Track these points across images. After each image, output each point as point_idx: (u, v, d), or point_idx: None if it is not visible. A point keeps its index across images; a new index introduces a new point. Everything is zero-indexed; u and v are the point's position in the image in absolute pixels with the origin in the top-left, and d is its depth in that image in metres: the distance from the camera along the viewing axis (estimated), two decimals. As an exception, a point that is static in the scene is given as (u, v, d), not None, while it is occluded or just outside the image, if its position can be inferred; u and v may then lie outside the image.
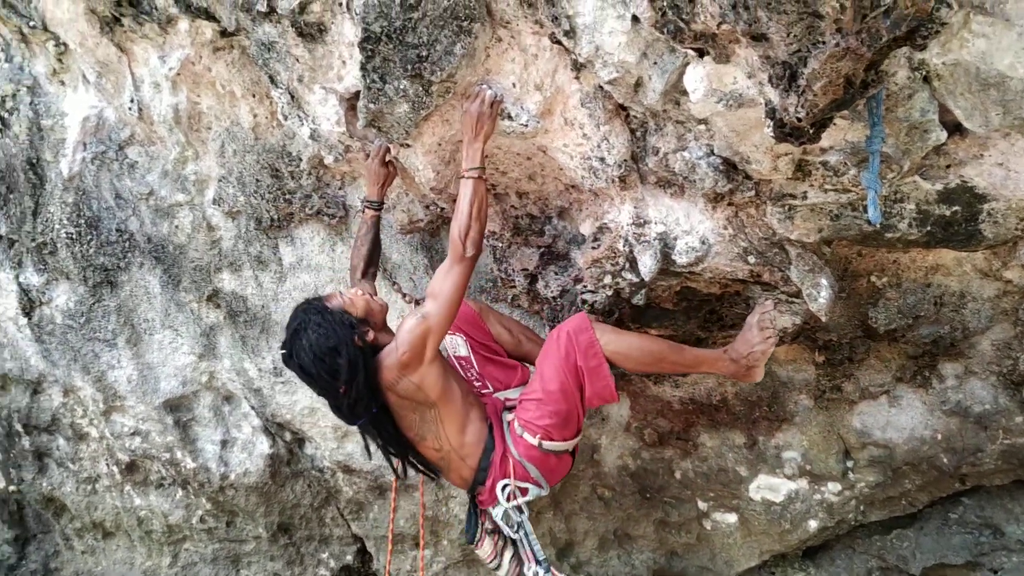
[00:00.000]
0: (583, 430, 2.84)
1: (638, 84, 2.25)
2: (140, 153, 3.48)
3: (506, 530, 2.62)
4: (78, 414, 4.12)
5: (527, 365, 2.98)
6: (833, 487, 3.42)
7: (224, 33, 2.88)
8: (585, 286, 2.82)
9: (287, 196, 3.29)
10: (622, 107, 2.43)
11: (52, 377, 3.99)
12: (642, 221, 2.61)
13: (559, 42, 2.32)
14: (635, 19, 2.08)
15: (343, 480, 3.99)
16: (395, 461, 2.72)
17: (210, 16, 2.81)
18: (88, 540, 4.61)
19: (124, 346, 3.79)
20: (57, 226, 3.63)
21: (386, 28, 2.29)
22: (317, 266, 3.44)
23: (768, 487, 3.53)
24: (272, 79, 2.80)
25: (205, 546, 4.36)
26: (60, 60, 3.39)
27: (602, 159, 2.52)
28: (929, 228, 2.27)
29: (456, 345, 2.90)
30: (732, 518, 3.72)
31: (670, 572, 4.00)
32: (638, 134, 2.48)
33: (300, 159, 3.19)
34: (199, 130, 3.30)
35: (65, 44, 3.28)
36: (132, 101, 3.27)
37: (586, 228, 2.83)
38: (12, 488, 4.53)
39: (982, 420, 2.97)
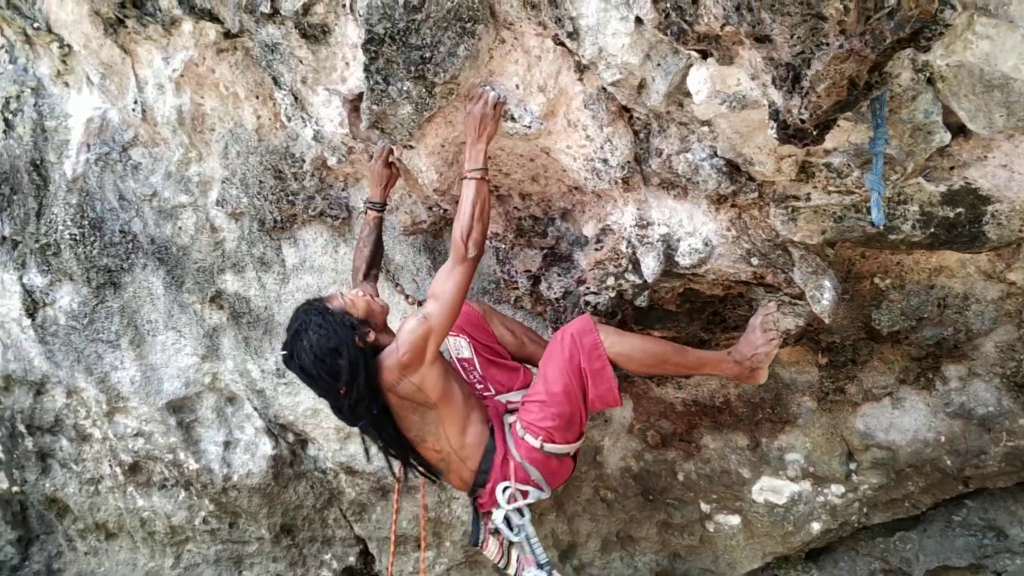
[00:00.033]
0: (585, 433, 2.83)
1: (641, 86, 2.25)
2: (144, 154, 3.49)
3: (507, 533, 2.61)
4: (81, 415, 4.12)
5: (529, 368, 2.98)
6: (836, 489, 3.42)
7: (228, 35, 2.89)
8: (588, 288, 2.82)
9: (290, 197, 3.29)
10: (625, 109, 2.43)
11: (55, 378, 3.99)
12: (645, 223, 2.61)
13: (562, 44, 2.32)
14: (638, 21, 2.08)
15: (346, 481, 3.99)
16: (395, 463, 2.72)
17: (214, 18, 2.82)
18: (91, 541, 4.62)
19: (127, 347, 3.80)
20: (61, 227, 3.63)
21: (389, 30, 2.30)
22: (320, 267, 3.44)
23: (771, 489, 3.53)
24: (276, 80, 2.80)
25: (208, 547, 4.36)
26: (64, 62, 3.40)
27: (605, 161, 2.52)
28: (933, 230, 2.26)
29: (459, 347, 2.91)
30: (735, 520, 3.71)
31: (673, 574, 4.00)
32: (641, 136, 2.48)
33: (303, 160, 3.20)
34: (203, 131, 3.31)
35: (69, 46, 3.29)
36: (136, 102, 3.28)
37: (589, 230, 2.83)
38: (15, 489, 4.54)
39: (985, 422, 2.97)
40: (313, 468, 4.02)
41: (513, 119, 2.48)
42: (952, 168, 2.12)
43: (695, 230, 2.54)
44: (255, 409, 3.87)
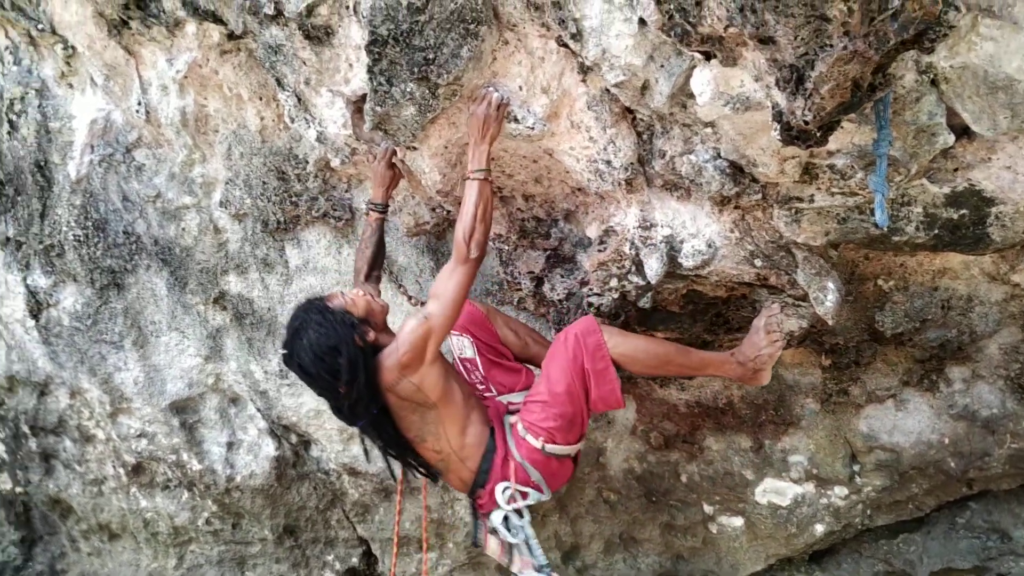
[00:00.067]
0: (587, 435, 2.83)
1: (645, 87, 2.25)
2: (147, 156, 3.49)
3: (504, 534, 2.60)
4: (85, 416, 4.13)
5: (532, 369, 2.98)
6: (839, 491, 3.41)
7: (231, 36, 2.89)
8: (591, 289, 2.82)
9: (293, 199, 3.29)
10: (629, 110, 2.43)
11: (59, 379, 4.00)
12: (648, 224, 2.61)
13: (566, 45, 2.32)
14: (642, 22, 2.08)
15: (349, 482, 3.99)
16: (394, 464, 2.71)
17: (217, 19, 2.82)
18: (94, 542, 4.62)
19: (131, 348, 3.80)
20: (64, 228, 3.64)
21: (393, 31, 2.30)
22: (323, 268, 3.44)
23: (774, 491, 3.52)
24: (279, 82, 2.80)
25: (211, 548, 4.36)
26: (68, 63, 3.41)
27: (608, 162, 2.52)
28: (936, 231, 2.26)
29: (463, 346, 2.90)
30: (738, 522, 3.71)
31: (676, 576, 4.00)
32: (644, 137, 2.48)
33: (306, 162, 3.20)
34: (206, 133, 3.31)
35: (73, 47, 3.30)
36: (139, 104, 3.28)
37: (592, 231, 2.83)
38: (19, 489, 4.55)
39: (989, 424, 2.96)
40: (316, 469, 4.02)
41: (516, 120, 2.48)
42: (956, 170, 2.12)
43: (698, 232, 2.54)
44: (258, 410, 3.87)
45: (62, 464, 4.36)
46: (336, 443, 3.82)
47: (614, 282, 2.75)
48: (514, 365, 2.97)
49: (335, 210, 3.28)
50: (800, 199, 2.27)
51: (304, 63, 2.67)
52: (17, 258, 3.80)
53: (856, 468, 3.33)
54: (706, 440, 3.52)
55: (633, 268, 2.68)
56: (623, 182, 2.54)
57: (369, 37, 2.34)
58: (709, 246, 2.53)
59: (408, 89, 2.40)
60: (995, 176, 2.09)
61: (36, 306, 3.85)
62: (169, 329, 3.76)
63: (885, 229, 2.16)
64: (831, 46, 1.57)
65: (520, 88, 2.45)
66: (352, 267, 3.20)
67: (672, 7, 1.91)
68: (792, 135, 1.81)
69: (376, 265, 2.93)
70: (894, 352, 2.95)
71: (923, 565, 3.45)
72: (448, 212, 3.04)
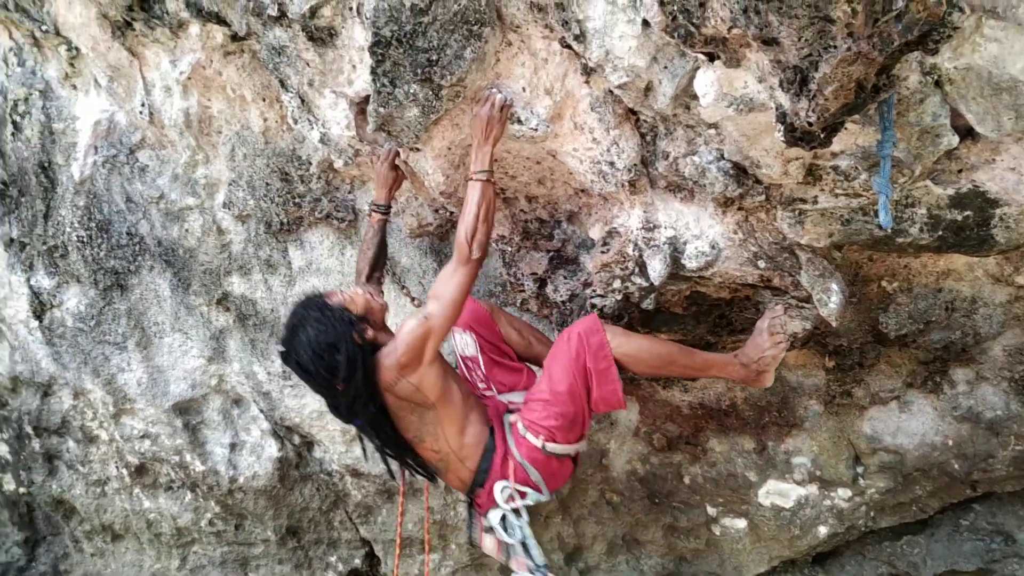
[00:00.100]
0: (588, 435, 2.82)
1: (648, 88, 2.25)
2: (151, 157, 3.49)
3: (501, 534, 2.59)
4: (88, 416, 4.13)
5: (533, 369, 2.97)
6: (843, 493, 3.41)
7: (235, 37, 2.89)
8: (594, 290, 2.82)
9: (296, 200, 3.30)
10: (632, 111, 2.43)
11: (62, 380, 4.01)
12: (652, 225, 2.61)
13: (569, 46, 2.32)
14: (645, 23, 2.08)
15: (351, 484, 3.99)
16: (393, 464, 2.70)
17: (221, 20, 2.83)
18: (97, 542, 4.63)
19: (134, 349, 3.81)
20: (68, 229, 3.65)
21: (396, 32, 2.30)
22: (326, 270, 3.44)
23: (778, 492, 3.52)
24: (282, 83, 2.80)
25: (214, 549, 4.36)
26: (72, 64, 3.41)
27: (612, 163, 2.52)
28: (940, 233, 2.26)
29: (465, 344, 2.90)
30: (741, 523, 3.70)
31: (679, 577, 3.99)
32: (648, 138, 2.48)
33: (310, 163, 3.20)
34: (209, 134, 3.32)
35: (77, 48, 3.30)
36: (143, 105, 3.29)
37: (595, 232, 2.83)
38: (22, 490, 4.55)
39: (993, 426, 2.96)
40: (319, 470, 4.02)
41: (519, 122, 2.48)
42: (960, 171, 2.12)
43: (702, 233, 2.54)
44: (261, 411, 3.88)
45: (65, 465, 4.36)
46: (339, 444, 3.82)
47: (617, 283, 2.75)
48: (516, 364, 2.97)
49: (338, 211, 3.29)
50: (804, 200, 2.27)
51: (307, 64, 2.67)
52: (21, 259, 3.80)
53: (860, 470, 3.33)
54: (709, 442, 3.51)
55: (636, 269, 2.68)
56: (626, 183, 2.54)
57: (372, 38, 2.34)
58: (712, 247, 2.52)
59: (411, 90, 2.40)
60: (999, 178, 2.09)
61: (40, 307, 3.85)
62: (172, 330, 3.76)
63: (889, 231, 2.16)
64: (835, 47, 1.57)
65: (523, 89, 2.45)
66: (354, 268, 3.20)
67: (675, 8, 1.90)
68: (796, 136, 1.81)
69: (378, 266, 2.93)
70: (898, 354, 2.95)
71: (927, 567, 3.45)
72: (451, 213, 3.04)
